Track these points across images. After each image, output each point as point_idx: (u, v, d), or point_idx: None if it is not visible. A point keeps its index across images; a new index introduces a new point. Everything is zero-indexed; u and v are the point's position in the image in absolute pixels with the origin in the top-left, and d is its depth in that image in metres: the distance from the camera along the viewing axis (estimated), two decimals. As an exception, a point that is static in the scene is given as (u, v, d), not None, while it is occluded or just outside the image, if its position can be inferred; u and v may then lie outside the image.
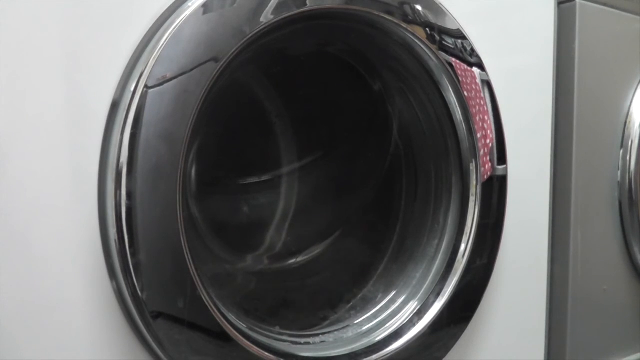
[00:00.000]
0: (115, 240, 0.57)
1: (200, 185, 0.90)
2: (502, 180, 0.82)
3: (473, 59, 0.79)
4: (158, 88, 0.57)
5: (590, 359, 1.01)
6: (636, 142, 1.03)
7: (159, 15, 0.61)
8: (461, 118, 0.79)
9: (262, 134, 0.98)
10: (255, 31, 0.62)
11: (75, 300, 0.57)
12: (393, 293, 0.82)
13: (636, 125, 1.03)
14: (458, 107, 0.79)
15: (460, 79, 0.77)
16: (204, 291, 0.61)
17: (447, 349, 0.79)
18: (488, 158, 0.80)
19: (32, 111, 0.55)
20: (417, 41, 0.75)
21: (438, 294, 0.78)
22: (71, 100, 0.56)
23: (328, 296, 0.86)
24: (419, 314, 0.77)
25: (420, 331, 0.76)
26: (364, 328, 0.79)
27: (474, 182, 0.80)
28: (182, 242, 0.59)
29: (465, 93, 0.78)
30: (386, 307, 0.81)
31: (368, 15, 0.72)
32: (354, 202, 0.96)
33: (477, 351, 0.85)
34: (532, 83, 0.90)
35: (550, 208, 0.94)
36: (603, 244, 1.03)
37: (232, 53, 0.61)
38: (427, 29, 0.75)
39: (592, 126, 0.99)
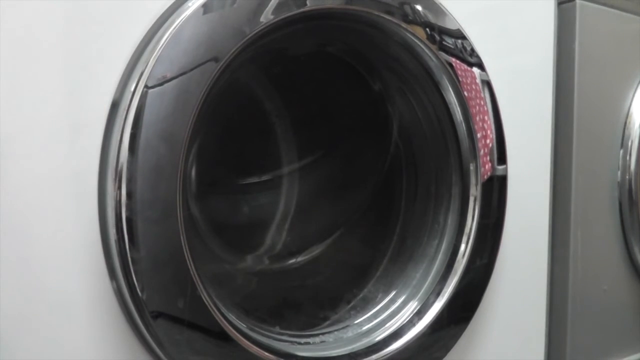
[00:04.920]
0: (115, 240, 0.57)
1: (200, 185, 0.90)
2: (502, 180, 0.82)
3: (473, 59, 0.79)
4: (158, 88, 0.57)
5: (590, 359, 1.01)
6: (636, 142, 1.03)
7: (159, 15, 0.61)
8: (461, 118, 0.79)
9: (262, 134, 0.98)
10: (255, 31, 0.62)
11: (75, 300, 0.57)
12: (393, 293, 0.82)
13: (636, 125, 1.03)
14: (458, 107, 0.79)
15: (460, 79, 0.77)
16: (204, 291, 0.61)
17: (447, 349, 0.79)
18: (488, 158, 0.80)
19: (32, 111, 0.55)
20: (417, 41, 0.75)
21: (438, 294, 0.78)
22: (71, 100, 0.56)
23: (328, 296, 0.86)
24: (419, 314, 0.77)
25: (420, 331, 0.76)
26: (364, 328, 0.79)
27: (474, 182, 0.80)
28: (182, 242, 0.59)
29: (465, 93, 0.78)
30: (386, 307, 0.81)
31: (368, 15, 0.72)
32: (354, 202, 0.96)
33: (477, 351, 0.85)
34: (532, 83, 0.90)
35: (550, 208, 0.94)
36: (603, 244, 1.03)
37: (232, 53, 0.61)
38: (427, 29, 0.75)
39: (592, 126, 0.99)
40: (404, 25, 0.73)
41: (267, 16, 0.63)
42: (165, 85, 0.58)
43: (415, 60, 0.77)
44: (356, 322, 0.80)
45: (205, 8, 0.60)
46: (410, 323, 0.77)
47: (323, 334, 0.78)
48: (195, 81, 0.59)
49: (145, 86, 0.57)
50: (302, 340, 0.75)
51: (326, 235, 0.95)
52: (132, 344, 0.60)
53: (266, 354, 0.65)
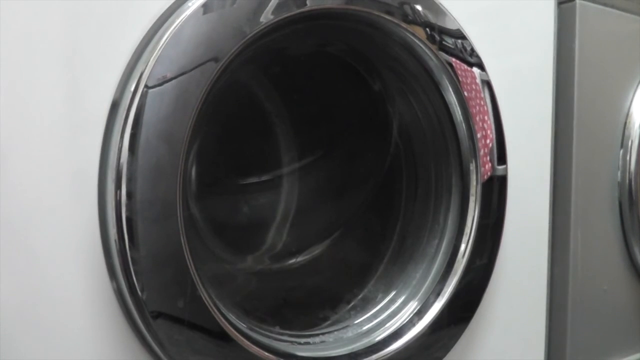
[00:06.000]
0: (115, 240, 0.57)
1: (200, 185, 0.90)
2: (502, 180, 0.82)
3: (473, 59, 0.79)
4: (158, 88, 0.57)
5: (590, 359, 1.01)
6: (636, 142, 1.03)
7: (159, 15, 0.61)
8: (461, 118, 0.79)
9: (262, 134, 0.98)
10: (255, 31, 0.62)
11: (75, 300, 0.57)
12: (393, 293, 0.82)
13: (636, 125, 1.03)
14: (458, 107, 0.79)
15: (460, 79, 0.77)
16: (204, 291, 0.61)
17: (447, 349, 0.79)
18: (488, 158, 0.80)
19: (32, 111, 0.55)
20: (417, 41, 0.75)
21: (438, 294, 0.78)
22: (71, 100, 0.56)
23: (328, 296, 0.86)
24: (419, 314, 0.77)
25: (420, 331, 0.76)
26: (364, 328, 0.79)
27: (474, 182, 0.80)
28: (182, 242, 0.59)
29: (465, 93, 0.78)
30: (386, 307, 0.81)
31: (368, 15, 0.72)
32: (354, 202, 0.96)
33: (477, 351, 0.85)
34: (532, 83, 0.90)
35: (550, 208, 0.94)
36: (603, 244, 1.03)
37: (232, 53, 0.61)
38: (427, 29, 0.75)
39: (592, 126, 0.99)
40: (404, 25, 0.73)
41: (267, 16, 0.63)
42: (165, 85, 0.58)
43: (415, 60, 0.77)
44: (356, 322, 0.80)
45: (205, 8, 0.60)
46: (410, 323, 0.77)
47: (323, 334, 0.78)
48: (195, 81, 0.59)
49: (145, 86, 0.57)
50: (302, 340, 0.75)
51: (326, 235, 0.95)
52: (132, 344, 0.60)
53: (266, 354, 0.65)
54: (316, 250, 0.95)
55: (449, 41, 0.77)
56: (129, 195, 0.56)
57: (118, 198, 0.56)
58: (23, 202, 0.54)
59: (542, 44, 0.92)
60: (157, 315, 0.58)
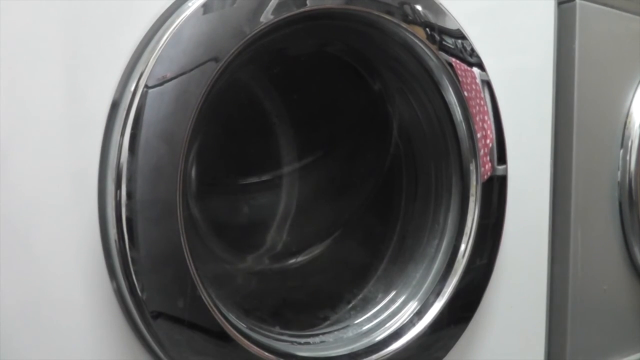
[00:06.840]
0: (115, 240, 0.57)
1: (200, 185, 0.90)
2: (502, 180, 0.82)
3: (473, 59, 0.79)
4: (158, 88, 0.57)
5: (590, 359, 1.01)
6: (636, 142, 1.03)
7: (159, 15, 0.61)
8: (461, 118, 0.79)
9: (262, 134, 0.98)
10: (255, 31, 0.62)
11: (75, 300, 0.57)
12: (393, 293, 0.82)
13: (636, 125, 1.03)
14: (458, 107, 0.79)
15: (460, 79, 0.77)
16: (204, 291, 0.61)
17: (447, 349, 0.79)
18: (488, 158, 0.80)
19: (33, 111, 0.55)
20: (417, 41, 0.75)
21: (438, 294, 0.78)
22: (71, 100, 0.56)
23: (328, 296, 0.86)
24: (419, 314, 0.77)
25: (420, 331, 0.76)
26: (364, 328, 0.79)
27: (474, 182, 0.80)
28: (182, 242, 0.59)
29: (465, 93, 0.78)
30: (386, 307, 0.81)
31: (368, 15, 0.72)
32: (354, 202, 0.96)
33: (477, 351, 0.85)
34: (532, 83, 0.90)
35: (550, 208, 0.94)
36: (603, 244, 1.03)
37: (232, 53, 0.61)
38: (427, 29, 0.75)
39: (592, 126, 0.99)
40: (404, 25, 0.73)
41: (267, 16, 0.63)
42: (165, 85, 0.58)
43: (415, 60, 0.77)
44: (356, 322, 0.80)
45: (205, 8, 0.60)
46: (410, 323, 0.77)
47: (323, 334, 0.78)
48: (195, 81, 0.59)
49: (145, 86, 0.57)
50: (302, 340, 0.75)
51: (326, 235, 0.95)
52: (132, 344, 0.60)
53: (266, 354, 0.65)
54: (316, 250, 0.95)
55: (449, 41, 0.77)
56: (129, 195, 0.56)
57: (118, 198, 0.56)
58: (23, 202, 0.54)
59: (542, 44, 0.92)
60: (157, 315, 0.58)
